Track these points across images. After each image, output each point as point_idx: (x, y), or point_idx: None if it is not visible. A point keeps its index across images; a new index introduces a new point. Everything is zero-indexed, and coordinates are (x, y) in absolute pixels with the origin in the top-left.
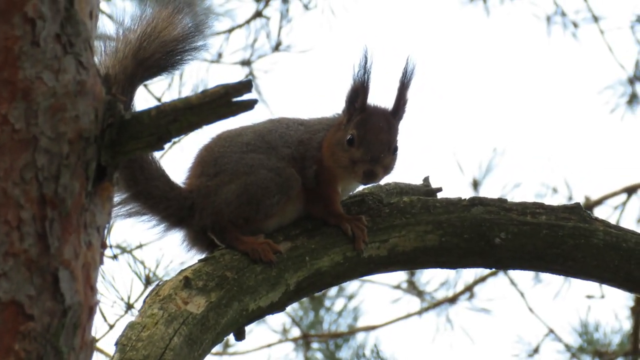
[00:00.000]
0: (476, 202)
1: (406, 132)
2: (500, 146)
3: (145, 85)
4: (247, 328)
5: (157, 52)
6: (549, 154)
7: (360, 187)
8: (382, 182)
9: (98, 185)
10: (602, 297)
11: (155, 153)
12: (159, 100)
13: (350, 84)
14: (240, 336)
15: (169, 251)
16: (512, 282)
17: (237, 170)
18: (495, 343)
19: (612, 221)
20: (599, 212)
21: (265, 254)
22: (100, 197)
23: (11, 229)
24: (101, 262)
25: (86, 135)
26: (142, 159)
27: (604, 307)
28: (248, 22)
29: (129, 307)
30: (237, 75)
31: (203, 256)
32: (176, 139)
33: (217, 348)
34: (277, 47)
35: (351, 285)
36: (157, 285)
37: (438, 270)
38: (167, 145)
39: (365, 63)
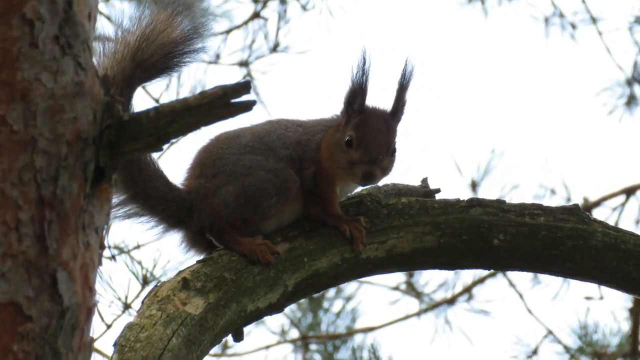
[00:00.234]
0: (474, 203)
1: (405, 133)
2: (499, 147)
3: (144, 87)
4: (246, 329)
5: (156, 54)
6: (548, 155)
7: (359, 189)
8: (381, 183)
9: (96, 187)
10: (601, 298)
11: (153, 154)
12: (157, 101)
13: (348, 85)
14: (238, 337)
15: (167, 251)
16: (511, 284)
17: (235, 172)
18: (494, 344)
19: (611, 222)
20: (598, 214)
21: (263, 255)
22: (99, 198)
23: (9, 230)
24: (100, 263)
25: (84, 136)
26: (141, 160)
27: (603, 308)
28: (246, 23)
29: (127, 306)
30: (235, 76)
31: (201, 257)
32: (174, 140)
33: (215, 349)
34: (275, 48)
35: (349, 287)
36: (156, 286)
37: (436, 271)
38: (165, 147)
39: (364, 64)
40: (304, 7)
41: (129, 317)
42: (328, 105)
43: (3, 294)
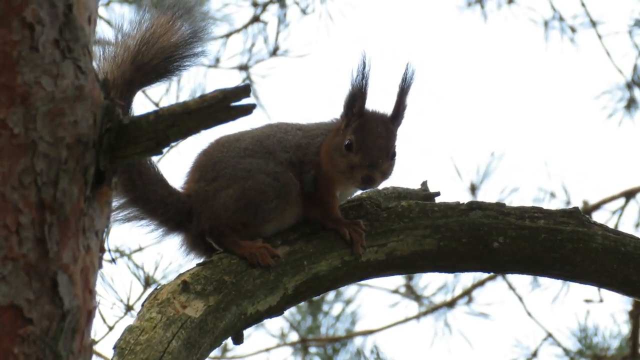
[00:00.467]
0: (474, 206)
1: (404, 137)
2: (498, 151)
3: (144, 91)
4: (245, 332)
5: (156, 58)
6: (547, 158)
7: (359, 192)
8: (380, 186)
9: (96, 190)
10: (601, 301)
11: (153, 158)
12: (157, 105)
13: (348, 89)
14: (238, 340)
15: (168, 253)
16: (511, 287)
17: (235, 175)
18: (494, 347)
19: (611, 226)
20: (597, 217)
21: (263, 258)
22: (99, 201)
23: (10, 234)
24: (100, 266)
25: (85, 140)
26: (141, 164)
27: (603, 311)
28: (246, 27)
29: (129, 308)
30: (234, 80)
31: (201, 260)
32: (174, 144)
33: (215, 352)
34: (274, 52)
35: (349, 290)
36: (155, 289)
37: (436, 274)
38: (165, 150)
39: (364, 68)
40: (303, 11)
41: (131, 319)
42: (328, 108)
43: (4, 297)
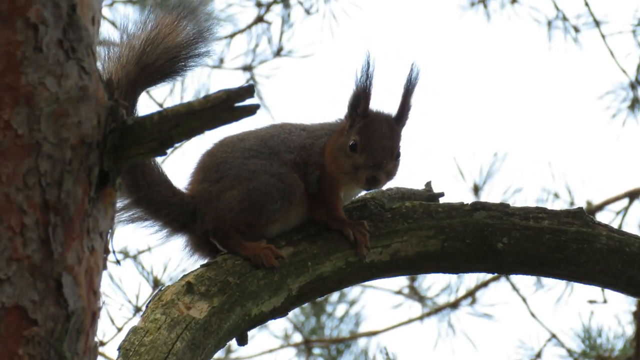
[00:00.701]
0: (478, 207)
1: (408, 137)
2: (501, 151)
3: (148, 91)
4: (249, 333)
5: (160, 58)
6: (551, 159)
7: (363, 192)
8: (385, 187)
9: (101, 191)
10: (605, 302)
11: (157, 158)
12: (160, 105)
13: (352, 89)
14: (242, 341)
15: (176, 255)
16: (514, 287)
17: (240, 176)
18: (498, 348)
19: (614, 226)
20: (601, 217)
21: (267, 259)
22: (103, 202)
23: (14, 235)
24: (104, 267)
25: (89, 140)
26: (145, 165)
27: (607, 312)
28: (249, 27)
29: (137, 310)
30: (238, 80)
31: (205, 261)
32: (178, 145)
33: (218, 353)
34: (278, 52)
35: (353, 291)
36: (160, 290)
37: (440, 275)
38: (169, 151)
39: (368, 68)
40: (307, 11)
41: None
42: (332, 109)
43: (8, 298)
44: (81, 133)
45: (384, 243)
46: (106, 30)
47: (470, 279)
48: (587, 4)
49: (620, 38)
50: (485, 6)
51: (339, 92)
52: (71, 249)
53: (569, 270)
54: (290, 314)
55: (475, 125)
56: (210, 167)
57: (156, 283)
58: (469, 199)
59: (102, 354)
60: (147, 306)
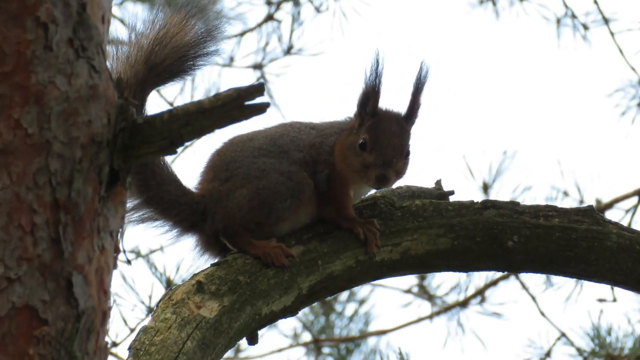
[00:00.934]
0: (489, 205)
1: (418, 135)
2: (511, 149)
3: (158, 90)
4: (259, 332)
5: (169, 58)
6: (560, 157)
7: (372, 191)
8: (394, 185)
9: (111, 190)
10: (614, 300)
11: (167, 158)
12: (171, 104)
13: (361, 88)
14: (253, 340)
15: (187, 254)
16: (524, 286)
17: (249, 175)
18: (507, 347)
19: (624, 224)
20: (611, 215)
21: (278, 258)
22: (113, 201)
23: (25, 234)
24: (115, 267)
25: (99, 139)
26: (154, 164)
27: (616, 310)
28: (259, 25)
29: (150, 310)
30: (248, 79)
31: (215, 260)
32: (188, 143)
33: (229, 352)
34: (288, 51)
35: (362, 290)
36: (170, 289)
37: (449, 274)
38: (179, 150)
39: (377, 67)
40: (317, 10)
41: None
42: (341, 107)
43: (19, 297)
44: (91, 132)
45: (394, 241)
46: (115, 29)
47: (480, 278)
48: (596, 2)
49: (630, 35)
50: (494, 4)
51: (348, 90)
52: (81, 248)
53: (579, 269)
54: (300, 313)
55: (484, 123)
56: (220, 166)
57: (169, 284)
58: (478, 197)
59: (115, 355)
60: (157, 306)
